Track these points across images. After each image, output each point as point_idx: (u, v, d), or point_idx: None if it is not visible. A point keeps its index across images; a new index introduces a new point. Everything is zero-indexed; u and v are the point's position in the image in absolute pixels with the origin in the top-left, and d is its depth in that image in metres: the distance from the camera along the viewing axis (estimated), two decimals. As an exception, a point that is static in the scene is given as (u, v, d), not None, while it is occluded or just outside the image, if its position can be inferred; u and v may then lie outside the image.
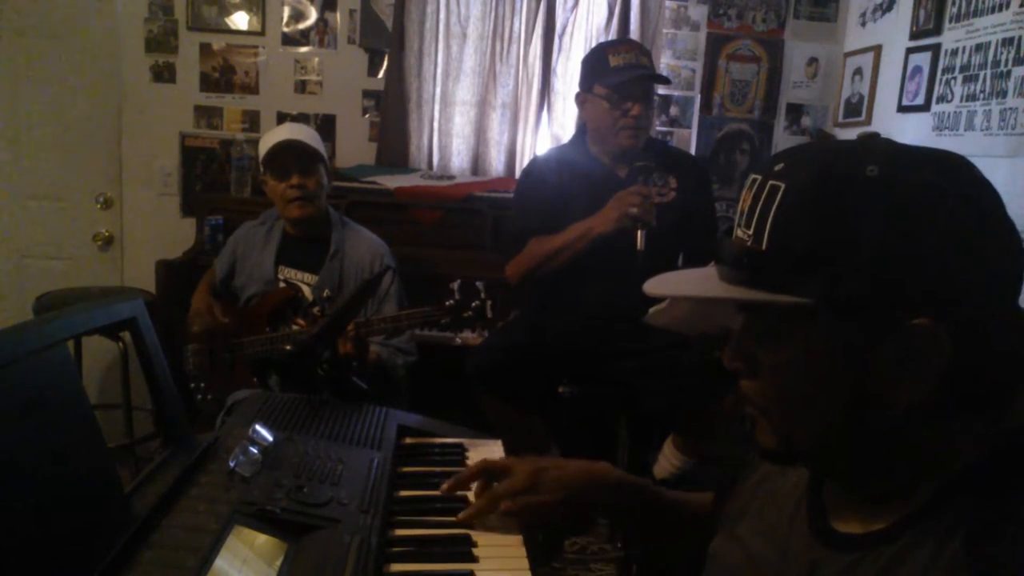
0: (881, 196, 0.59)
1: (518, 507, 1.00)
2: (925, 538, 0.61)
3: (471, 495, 1.10)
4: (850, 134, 3.11)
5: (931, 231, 0.59)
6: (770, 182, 0.64)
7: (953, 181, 0.61)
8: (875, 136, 0.66)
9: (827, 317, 0.61)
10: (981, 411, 0.63)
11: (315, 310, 2.15)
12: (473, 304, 1.73)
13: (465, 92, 3.25)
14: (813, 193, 0.61)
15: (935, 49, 2.65)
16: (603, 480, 1.02)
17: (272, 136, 2.25)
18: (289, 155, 2.18)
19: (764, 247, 0.62)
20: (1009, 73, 2.29)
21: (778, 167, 0.65)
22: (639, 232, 2.01)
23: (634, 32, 3.17)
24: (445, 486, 1.09)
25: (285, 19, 3.23)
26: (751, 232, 0.64)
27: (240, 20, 3.21)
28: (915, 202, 0.59)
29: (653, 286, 0.74)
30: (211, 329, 2.23)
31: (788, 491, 0.79)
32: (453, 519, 1.05)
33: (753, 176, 0.67)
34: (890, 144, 0.64)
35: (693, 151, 3.31)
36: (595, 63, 2.25)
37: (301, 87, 3.27)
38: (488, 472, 1.07)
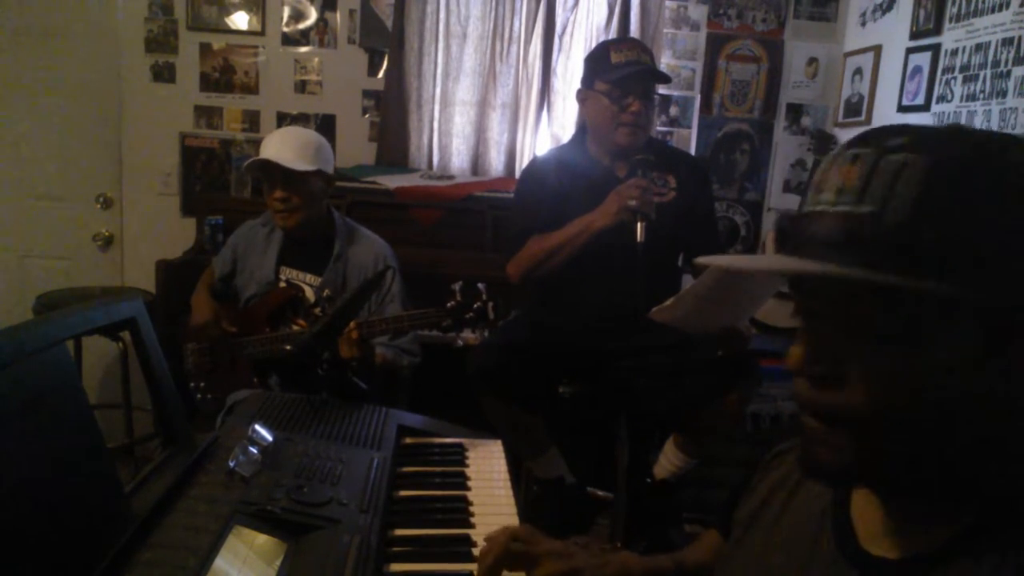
0: None
1: None
2: (971, 570, 0.56)
3: (477, 536, 1.05)
4: (850, 134, 3.11)
5: None
6: (892, 156, 0.56)
7: None
8: (964, 125, 0.62)
9: (967, 309, 0.54)
10: None
11: (316, 311, 2.14)
12: (475, 305, 1.72)
13: (465, 92, 3.25)
14: (966, 170, 0.54)
15: (935, 49, 2.65)
16: None
17: (263, 146, 2.21)
18: (274, 167, 2.15)
19: (901, 221, 0.54)
20: (1009, 73, 2.29)
21: (896, 141, 0.57)
22: (639, 224, 2.00)
23: (634, 32, 3.16)
24: None
25: (285, 19, 3.22)
26: (867, 209, 0.56)
27: (240, 20, 3.21)
28: None
29: (746, 262, 0.65)
30: (214, 333, 2.23)
31: (809, 501, 0.74)
32: (453, 519, 1.05)
33: (853, 151, 0.59)
34: (996, 131, 0.61)
35: (693, 151, 3.31)
36: (597, 60, 2.25)
37: (301, 87, 3.27)
38: (515, 560, 0.91)
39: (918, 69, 2.74)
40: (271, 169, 2.15)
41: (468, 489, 1.22)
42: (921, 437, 0.57)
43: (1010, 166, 0.55)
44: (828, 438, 0.60)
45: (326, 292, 2.18)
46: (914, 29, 2.78)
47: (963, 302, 0.54)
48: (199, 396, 2.22)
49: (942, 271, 0.53)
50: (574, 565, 0.90)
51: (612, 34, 3.19)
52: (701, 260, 0.67)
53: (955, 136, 0.58)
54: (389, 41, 3.18)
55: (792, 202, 3.36)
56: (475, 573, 0.92)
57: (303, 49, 3.24)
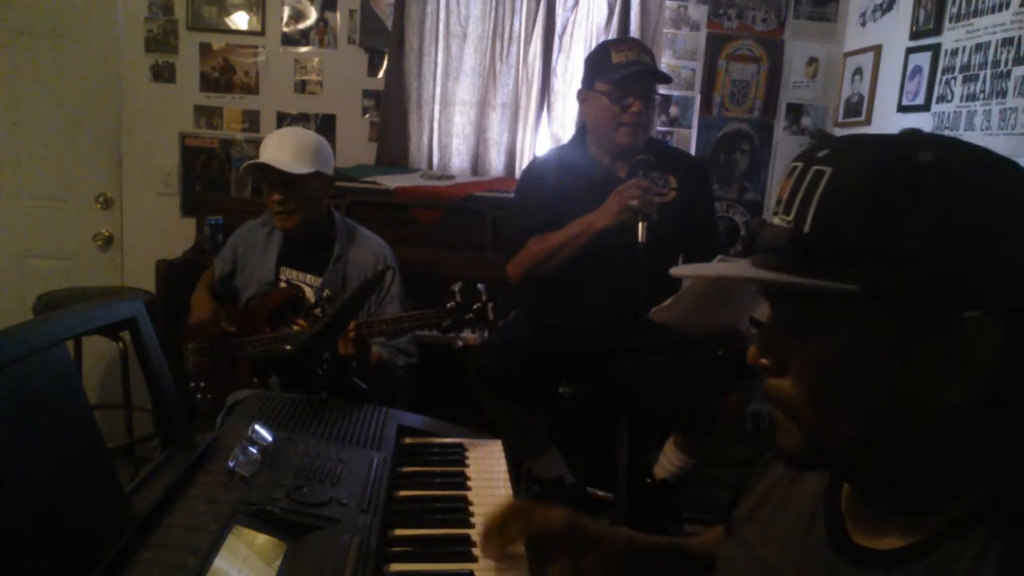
0: (935, 182, 0.57)
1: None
2: (956, 559, 0.58)
3: (477, 536, 1.05)
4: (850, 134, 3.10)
5: (987, 220, 0.56)
6: (813, 167, 0.61)
7: (1008, 169, 0.59)
8: (918, 130, 0.65)
9: (872, 307, 0.58)
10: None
11: (316, 311, 2.14)
12: (474, 306, 1.72)
13: (465, 92, 3.25)
14: (863, 177, 0.59)
15: (935, 49, 2.65)
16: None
17: (261, 148, 2.21)
18: (271, 169, 2.14)
19: (806, 231, 0.60)
20: (1009, 73, 2.29)
21: (822, 153, 0.62)
22: (640, 224, 2.00)
23: (634, 32, 3.16)
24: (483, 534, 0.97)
25: (285, 19, 3.22)
26: (791, 218, 0.61)
27: (240, 20, 3.21)
28: (972, 190, 0.57)
29: (684, 270, 0.72)
30: (214, 333, 2.23)
31: (803, 497, 0.76)
32: (453, 519, 1.05)
33: (793, 164, 0.64)
34: (940, 135, 0.63)
35: (693, 151, 3.31)
36: (598, 60, 2.25)
37: (301, 87, 3.27)
38: (518, 515, 0.95)
39: (918, 69, 2.74)
40: (269, 172, 2.15)
41: (468, 489, 1.22)
42: (855, 425, 0.61)
43: (918, 168, 0.58)
44: (783, 424, 0.66)
45: (326, 292, 2.18)
46: (914, 29, 2.78)
47: (862, 299, 0.58)
48: (199, 396, 2.22)
49: (838, 272, 0.58)
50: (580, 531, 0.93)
51: (612, 34, 3.19)
52: (675, 271, 0.73)
53: (865, 145, 0.63)
54: (389, 41, 3.18)
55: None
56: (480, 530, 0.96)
57: (303, 49, 3.25)
